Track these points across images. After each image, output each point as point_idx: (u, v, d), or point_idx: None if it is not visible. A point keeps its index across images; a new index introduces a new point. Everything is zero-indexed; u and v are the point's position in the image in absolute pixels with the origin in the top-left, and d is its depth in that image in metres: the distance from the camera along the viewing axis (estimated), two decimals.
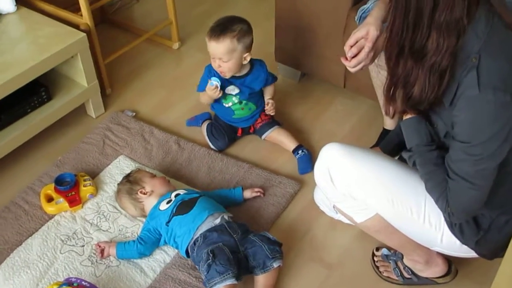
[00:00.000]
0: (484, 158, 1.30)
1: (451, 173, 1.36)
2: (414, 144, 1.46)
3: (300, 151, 2.17)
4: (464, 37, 1.24)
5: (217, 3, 3.12)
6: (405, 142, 1.50)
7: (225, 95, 2.13)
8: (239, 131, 2.25)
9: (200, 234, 1.75)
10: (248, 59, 2.08)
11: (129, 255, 1.80)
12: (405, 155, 1.53)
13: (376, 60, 1.38)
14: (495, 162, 1.31)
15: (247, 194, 1.99)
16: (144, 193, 1.90)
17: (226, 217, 1.80)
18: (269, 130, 2.22)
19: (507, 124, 1.26)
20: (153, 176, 1.97)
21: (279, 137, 2.21)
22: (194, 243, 1.76)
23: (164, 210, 1.83)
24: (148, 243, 1.81)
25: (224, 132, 2.22)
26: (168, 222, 1.81)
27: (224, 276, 1.63)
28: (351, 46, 1.55)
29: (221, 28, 2.00)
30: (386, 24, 1.53)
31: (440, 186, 1.41)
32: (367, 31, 1.54)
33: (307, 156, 2.15)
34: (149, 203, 1.89)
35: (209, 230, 1.75)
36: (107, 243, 1.82)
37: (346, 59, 1.56)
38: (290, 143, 2.19)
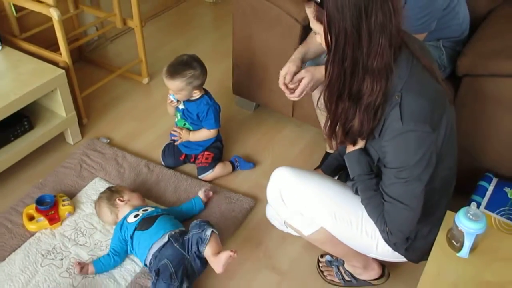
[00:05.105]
0: (411, 180, 1.36)
1: (386, 196, 1.42)
2: (357, 174, 1.50)
3: (236, 163, 2.28)
4: (391, 78, 1.31)
5: (182, 44, 3.18)
6: (349, 172, 1.53)
7: (178, 109, 2.24)
8: (182, 156, 2.29)
9: (152, 255, 1.78)
10: (197, 95, 2.13)
11: (107, 269, 1.84)
12: (348, 183, 1.58)
13: (320, 105, 1.46)
14: (421, 183, 1.37)
15: (201, 195, 2.06)
16: (122, 201, 1.93)
17: (172, 232, 1.81)
18: (204, 174, 2.23)
19: (428, 151, 1.33)
20: (133, 191, 2.02)
21: (214, 176, 2.25)
22: (150, 264, 1.79)
23: (131, 223, 1.86)
24: (121, 253, 1.85)
25: (173, 152, 2.29)
26: (132, 235, 1.83)
27: None
28: (284, 83, 1.77)
29: (175, 70, 2.07)
30: (307, 64, 1.70)
31: (378, 208, 1.46)
32: (288, 67, 1.78)
33: (242, 160, 2.30)
34: (123, 211, 1.92)
35: (159, 250, 1.77)
36: (85, 264, 1.82)
37: (287, 88, 1.77)
38: (226, 172, 2.28)
